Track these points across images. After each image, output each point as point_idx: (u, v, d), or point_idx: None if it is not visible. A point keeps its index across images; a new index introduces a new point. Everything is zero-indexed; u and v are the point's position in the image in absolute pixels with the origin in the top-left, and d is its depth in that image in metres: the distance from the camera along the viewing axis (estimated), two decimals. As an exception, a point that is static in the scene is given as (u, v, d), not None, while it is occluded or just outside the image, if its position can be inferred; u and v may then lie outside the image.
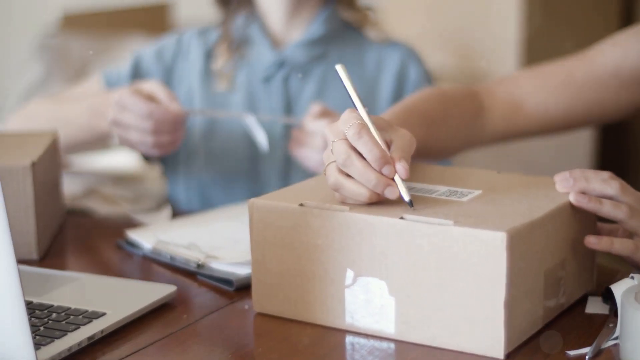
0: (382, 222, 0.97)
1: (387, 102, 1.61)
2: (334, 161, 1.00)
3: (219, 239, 1.27)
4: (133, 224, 1.39)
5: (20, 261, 1.20)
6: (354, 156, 0.99)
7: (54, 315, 1.02)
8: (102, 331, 0.99)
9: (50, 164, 1.36)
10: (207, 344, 1.00)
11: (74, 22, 2.73)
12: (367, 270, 0.98)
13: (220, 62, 1.62)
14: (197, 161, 1.61)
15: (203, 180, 1.61)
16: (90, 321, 1.01)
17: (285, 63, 1.60)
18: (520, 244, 0.93)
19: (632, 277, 0.99)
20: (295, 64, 1.60)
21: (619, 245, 1.02)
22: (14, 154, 1.28)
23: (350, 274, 0.99)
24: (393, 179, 0.99)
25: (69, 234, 1.38)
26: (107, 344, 0.99)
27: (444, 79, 2.62)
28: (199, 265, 1.19)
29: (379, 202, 1.00)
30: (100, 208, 1.48)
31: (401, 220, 0.96)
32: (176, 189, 1.65)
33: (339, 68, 1.05)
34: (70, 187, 1.54)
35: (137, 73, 1.65)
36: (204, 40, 1.65)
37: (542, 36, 2.42)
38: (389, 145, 1.02)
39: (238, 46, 1.63)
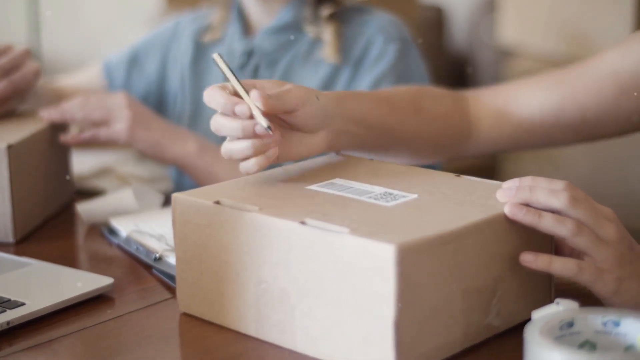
0: (283, 225, 0.90)
1: (343, 86, 1.52)
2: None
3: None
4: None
5: (-8, 243, 1.22)
6: (218, 116, 1.01)
7: (-25, 302, 1.01)
8: (7, 322, 0.97)
9: (45, 144, 1.35)
10: (105, 343, 0.96)
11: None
12: (273, 276, 0.92)
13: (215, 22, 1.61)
14: None
15: None
16: (4, 311, 0.99)
17: (253, 52, 1.54)
18: (419, 259, 0.84)
19: (558, 303, 0.88)
20: (263, 53, 1.54)
21: (559, 265, 0.91)
22: (3, 133, 1.28)
23: (257, 279, 0.93)
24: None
25: (67, 217, 1.37)
26: (16, 336, 0.97)
27: (559, 67, 2.48)
28: (156, 259, 1.15)
29: (291, 201, 0.94)
30: (111, 188, 1.46)
31: (300, 225, 0.89)
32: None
33: (215, 56, 1.05)
34: (82, 165, 1.53)
35: (134, 59, 1.65)
36: (197, 25, 1.63)
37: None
38: None
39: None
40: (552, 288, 0.98)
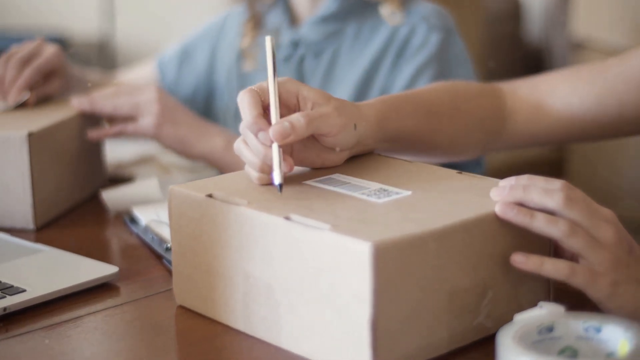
0: (268, 220, 0.89)
1: (385, 74, 1.49)
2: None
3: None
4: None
5: (14, 230, 1.23)
6: (241, 143, 0.96)
7: (-22, 288, 1.03)
8: (4, 309, 0.98)
9: (74, 132, 1.36)
10: (98, 331, 0.97)
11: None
12: (259, 271, 0.91)
13: (246, 41, 1.57)
14: None
15: None
16: (4, 297, 1.00)
17: (300, 42, 1.52)
18: (397, 257, 0.82)
19: (541, 307, 0.85)
20: (310, 43, 1.52)
21: (551, 267, 0.87)
22: (29, 120, 1.30)
23: (245, 274, 0.92)
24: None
25: (95, 205, 1.37)
26: (13, 322, 0.98)
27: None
28: (167, 249, 1.15)
29: (284, 196, 0.93)
30: (149, 176, 1.46)
31: (284, 221, 0.87)
32: None
33: (267, 40, 1.01)
34: (123, 154, 1.54)
35: (185, 54, 1.64)
36: (245, 19, 1.61)
37: None
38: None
39: (263, 25, 1.57)
40: (550, 287, 0.95)
